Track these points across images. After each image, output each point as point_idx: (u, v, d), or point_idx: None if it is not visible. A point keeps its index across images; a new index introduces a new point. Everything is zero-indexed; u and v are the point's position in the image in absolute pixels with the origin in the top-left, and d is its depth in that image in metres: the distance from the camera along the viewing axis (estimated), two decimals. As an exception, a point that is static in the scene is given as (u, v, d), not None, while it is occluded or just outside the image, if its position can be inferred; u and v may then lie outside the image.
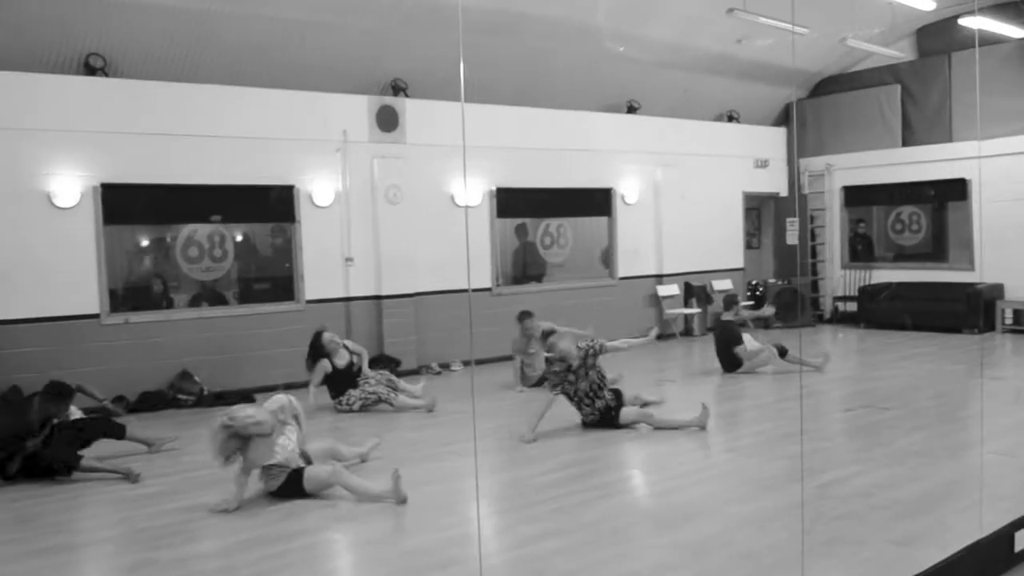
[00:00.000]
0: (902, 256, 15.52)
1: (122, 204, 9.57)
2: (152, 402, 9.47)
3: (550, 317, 12.66)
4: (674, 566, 4.49)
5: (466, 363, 11.71)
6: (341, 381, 9.05)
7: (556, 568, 4.54)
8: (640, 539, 5.01)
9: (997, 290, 13.30)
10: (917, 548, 4.56)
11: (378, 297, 11.11)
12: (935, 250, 15.15)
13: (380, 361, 10.53)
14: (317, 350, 9.02)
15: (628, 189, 13.89)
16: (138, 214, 10.01)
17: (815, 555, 4.46)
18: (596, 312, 12.64)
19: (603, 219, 13.87)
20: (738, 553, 4.61)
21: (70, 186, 9.26)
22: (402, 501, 5.75)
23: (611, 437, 7.56)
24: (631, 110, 14.08)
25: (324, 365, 8.98)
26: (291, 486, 5.95)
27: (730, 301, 10.78)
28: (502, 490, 6.13)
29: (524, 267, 13.54)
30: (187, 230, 10.28)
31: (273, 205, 10.53)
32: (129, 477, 6.61)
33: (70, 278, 9.25)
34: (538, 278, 13.55)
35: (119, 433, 7.17)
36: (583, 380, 7.76)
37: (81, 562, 5.11)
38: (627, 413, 7.80)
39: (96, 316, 9.42)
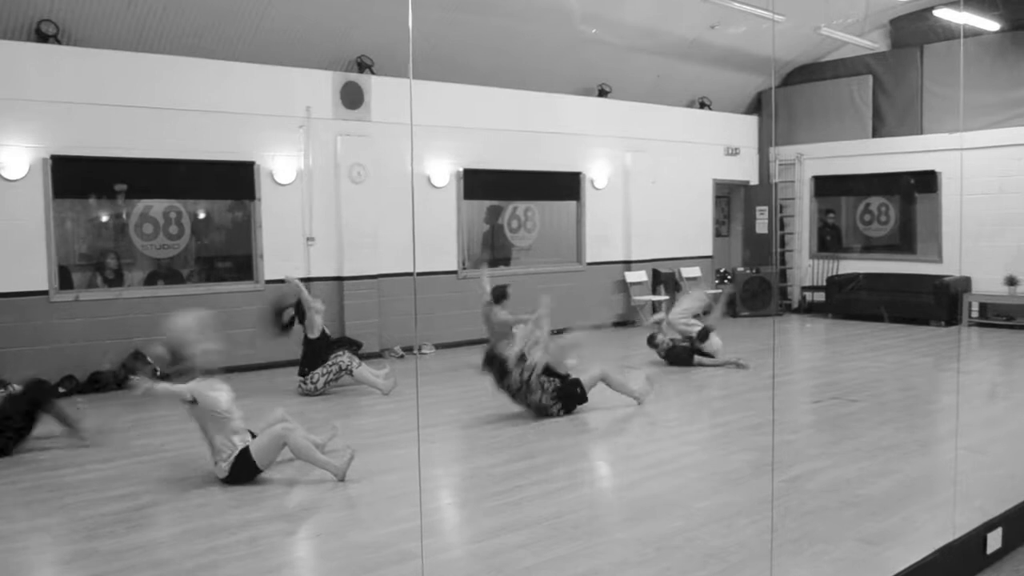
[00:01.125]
0: (870, 247, 15.49)
1: (73, 177, 9.20)
2: (103, 383, 9.16)
3: (517, 301, 12.55)
4: (637, 563, 4.32)
5: (437, 346, 11.64)
6: (315, 354, 8.78)
7: (516, 564, 4.35)
8: (602, 534, 4.82)
9: (964, 283, 13.28)
10: (887, 548, 4.43)
11: (339, 278, 10.83)
12: (903, 242, 15.12)
13: (341, 343, 10.27)
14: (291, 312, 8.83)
15: (598, 173, 13.70)
16: (90, 187, 9.63)
17: (783, 553, 4.31)
18: (564, 297, 12.50)
19: (571, 203, 13.68)
20: (704, 551, 4.44)
21: (19, 157, 8.88)
22: (341, 479, 5.74)
23: (574, 428, 7.39)
24: (602, 93, 13.88)
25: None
26: (241, 468, 5.71)
27: (651, 340, 10.44)
28: (461, 481, 5.94)
29: (492, 250, 13.32)
30: (141, 205, 9.93)
31: (232, 182, 10.20)
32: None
33: (18, 253, 8.88)
34: (505, 262, 13.35)
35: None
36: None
37: (14, 552, 4.83)
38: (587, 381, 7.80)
39: (45, 293, 9.07)
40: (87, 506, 5.40)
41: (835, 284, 14.65)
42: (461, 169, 12.07)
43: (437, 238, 11.88)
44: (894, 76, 14.45)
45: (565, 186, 13.52)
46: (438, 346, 11.67)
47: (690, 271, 14.70)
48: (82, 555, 4.61)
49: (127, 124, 9.43)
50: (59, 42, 9.17)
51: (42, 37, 9.10)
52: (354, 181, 10.79)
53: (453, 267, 12.08)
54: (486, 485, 5.74)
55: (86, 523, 5.09)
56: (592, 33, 12.43)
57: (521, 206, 13.43)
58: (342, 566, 4.43)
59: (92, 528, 5.00)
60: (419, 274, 11.49)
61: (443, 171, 11.90)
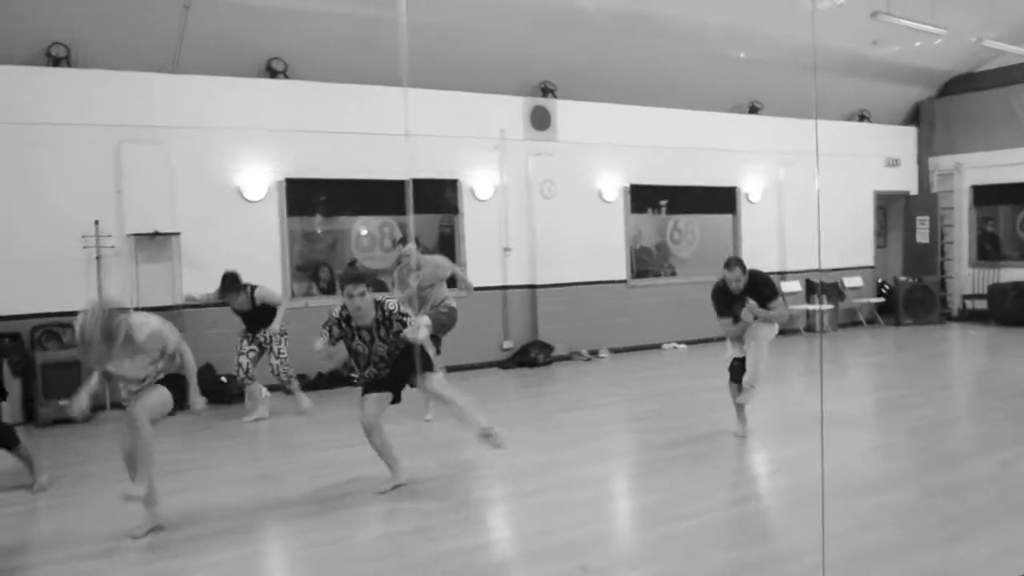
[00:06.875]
0: (1031, 255, 15.47)
1: (303, 197, 10.34)
2: (330, 381, 10.23)
3: (677, 309, 13.11)
4: (880, 525, 4.87)
5: (613, 351, 12.34)
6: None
7: (757, 527, 5.02)
8: (841, 502, 5.36)
9: None
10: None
11: (533, 286, 11.75)
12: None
13: (535, 347, 11.12)
14: None
15: (752, 188, 14.24)
16: (317, 206, 10.75)
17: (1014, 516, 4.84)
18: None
19: (728, 216, 14.23)
20: (942, 516, 4.98)
21: (258, 181, 10.07)
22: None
23: (773, 412, 7.93)
24: (753, 110, 14.36)
25: None
26: None
27: None
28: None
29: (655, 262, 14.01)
30: (359, 221, 11.02)
31: (439, 198, 11.26)
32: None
33: (259, 265, 9.95)
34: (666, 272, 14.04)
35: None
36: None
37: (317, 550, 5.70)
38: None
39: (282, 299, 10.17)
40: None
41: (999, 292, 14.69)
42: (627, 184, 12.79)
43: (609, 249, 12.67)
44: (1056, 84, 14.45)
45: (721, 200, 14.09)
46: (612, 351, 12.40)
47: (851, 280, 15.02)
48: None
49: (347, 148, 10.54)
50: (287, 77, 10.32)
51: (272, 73, 10.27)
52: (545, 196, 11.68)
53: (623, 276, 12.79)
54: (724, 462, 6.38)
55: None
56: (741, 57, 12.87)
57: (682, 219, 14.05)
58: (519, 553, 4.84)
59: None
60: (602, 283, 12.31)
61: (611, 186, 12.65)
